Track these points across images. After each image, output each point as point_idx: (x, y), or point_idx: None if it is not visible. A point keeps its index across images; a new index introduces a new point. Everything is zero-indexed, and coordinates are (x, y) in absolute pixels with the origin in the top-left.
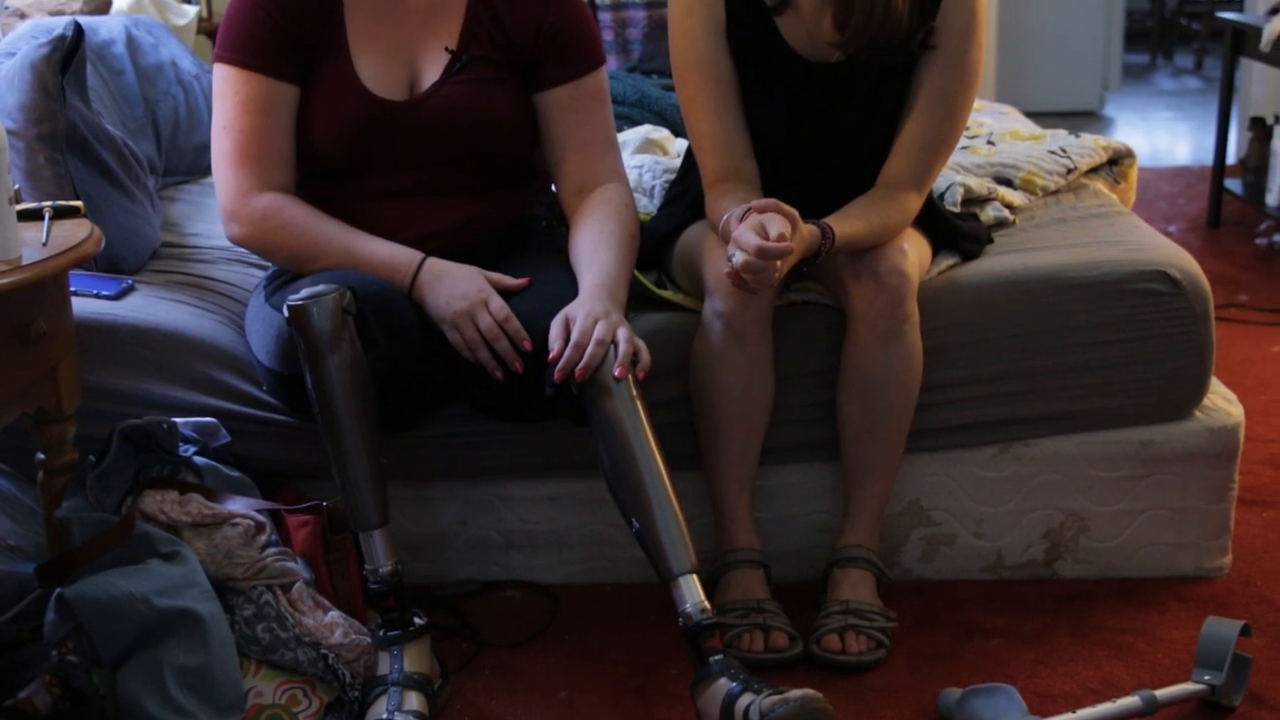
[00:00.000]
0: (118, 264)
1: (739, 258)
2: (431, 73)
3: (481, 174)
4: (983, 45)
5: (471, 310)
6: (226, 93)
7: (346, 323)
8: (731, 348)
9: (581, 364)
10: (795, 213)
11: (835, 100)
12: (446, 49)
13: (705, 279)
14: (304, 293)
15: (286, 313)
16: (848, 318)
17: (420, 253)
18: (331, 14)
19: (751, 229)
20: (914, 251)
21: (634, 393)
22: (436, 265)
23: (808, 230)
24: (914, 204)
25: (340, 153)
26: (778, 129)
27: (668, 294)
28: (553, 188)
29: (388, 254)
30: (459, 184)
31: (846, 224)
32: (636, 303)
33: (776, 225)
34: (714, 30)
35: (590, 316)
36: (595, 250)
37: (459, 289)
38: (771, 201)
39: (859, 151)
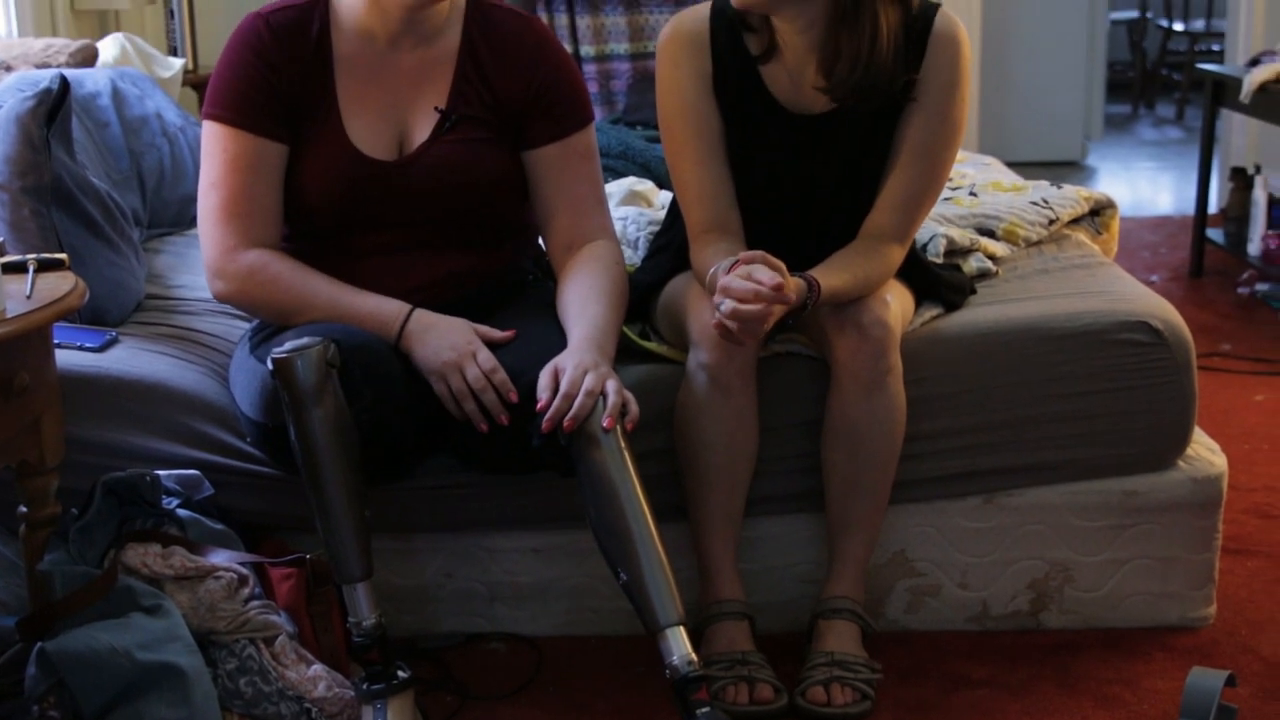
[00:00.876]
0: (102, 316)
1: (727, 306)
2: (421, 132)
3: (470, 230)
4: (966, 100)
5: (459, 362)
6: (215, 150)
7: (331, 375)
8: (716, 399)
9: (570, 414)
10: (781, 264)
11: (819, 151)
12: (435, 108)
13: (690, 330)
14: (288, 345)
15: (271, 365)
16: (831, 369)
17: (407, 304)
18: (321, 73)
19: (740, 278)
20: (897, 303)
21: (622, 444)
22: (424, 317)
23: (794, 282)
24: (897, 255)
25: (330, 211)
26: (762, 180)
27: (652, 345)
28: (540, 242)
29: (375, 306)
30: (448, 240)
31: (831, 276)
32: (620, 354)
33: (765, 274)
34: (700, 82)
35: (579, 367)
36: (584, 304)
37: (447, 340)
38: (758, 254)
39: (843, 202)
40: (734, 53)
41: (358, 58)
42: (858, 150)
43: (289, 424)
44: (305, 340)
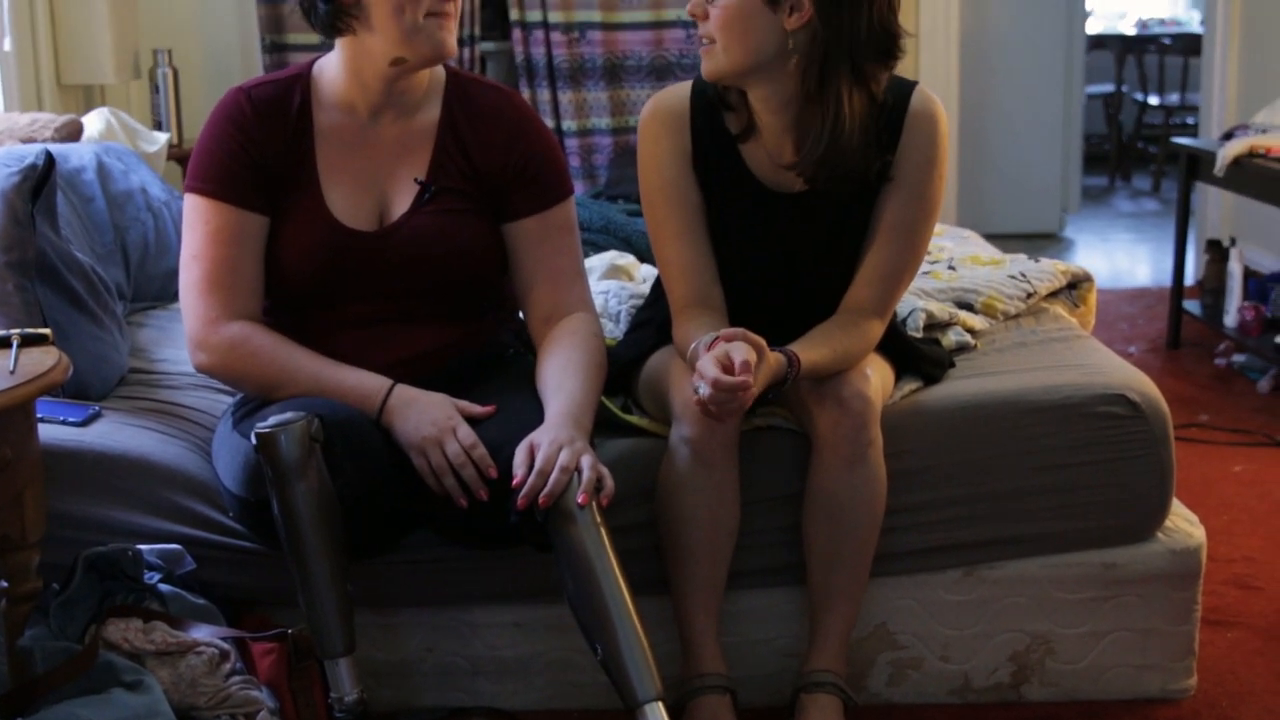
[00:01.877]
0: (85, 390)
1: (704, 389)
2: (401, 203)
3: (450, 302)
4: (944, 176)
5: (439, 437)
6: (196, 222)
7: (314, 450)
8: (698, 473)
9: (545, 491)
10: (762, 341)
11: (798, 228)
12: (415, 180)
13: (672, 404)
14: (272, 420)
15: (254, 440)
16: (812, 442)
17: (389, 379)
18: (302, 146)
19: (716, 359)
20: (877, 376)
21: (598, 519)
22: (405, 392)
23: (774, 358)
24: (877, 330)
25: (310, 281)
26: (743, 256)
27: (633, 419)
28: (520, 315)
29: (356, 381)
30: (428, 311)
31: (811, 351)
32: (602, 427)
33: (741, 353)
34: (681, 159)
35: (555, 443)
36: (562, 378)
37: (427, 416)
38: (738, 331)
39: (823, 278)
40: (714, 131)
41: (338, 130)
42: (837, 227)
43: (272, 499)
44: (289, 415)
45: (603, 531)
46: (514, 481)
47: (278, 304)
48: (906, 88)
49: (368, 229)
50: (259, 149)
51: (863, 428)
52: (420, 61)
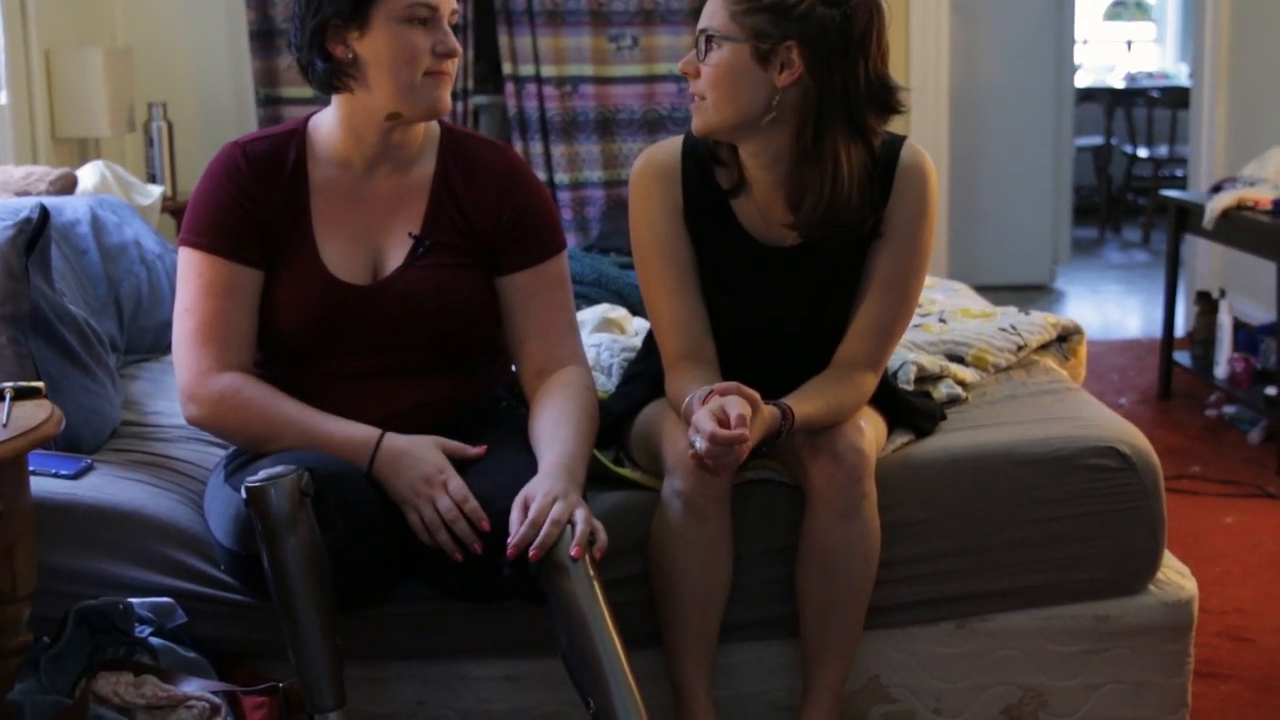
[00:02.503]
0: (77, 443)
1: (700, 443)
2: (395, 258)
3: (444, 356)
4: (934, 229)
5: (431, 493)
6: (190, 275)
7: (304, 504)
8: (691, 526)
9: (536, 542)
10: (756, 395)
11: (790, 282)
12: (410, 234)
13: (665, 457)
14: (262, 474)
15: (244, 494)
16: (806, 495)
17: (378, 430)
18: (297, 200)
19: (711, 413)
20: (871, 429)
21: (591, 572)
22: (395, 443)
23: (768, 411)
24: (870, 383)
25: (304, 335)
26: (735, 309)
27: (625, 472)
28: (513, 368)
29: (346, 434)
30: (421, 365)
31: (805, 404)
32: (594, 480)
33: (736, 407)
34: (672, 213)
35: (549, 495)
36: (555, 430)
37: (418, 470)
38: (733, 385)
39: (814, 331)
40: (705, 186)
41: (333, 184)
42: (828, 281)
43: (262, 552)
44: (279, 469)
45: (596, 585)
46: (510, 537)
47: (271, 357)
48: (896, 143)
49: (362, 283)
50: (254, 204)
51: (857, 481)
52: (416, 117)
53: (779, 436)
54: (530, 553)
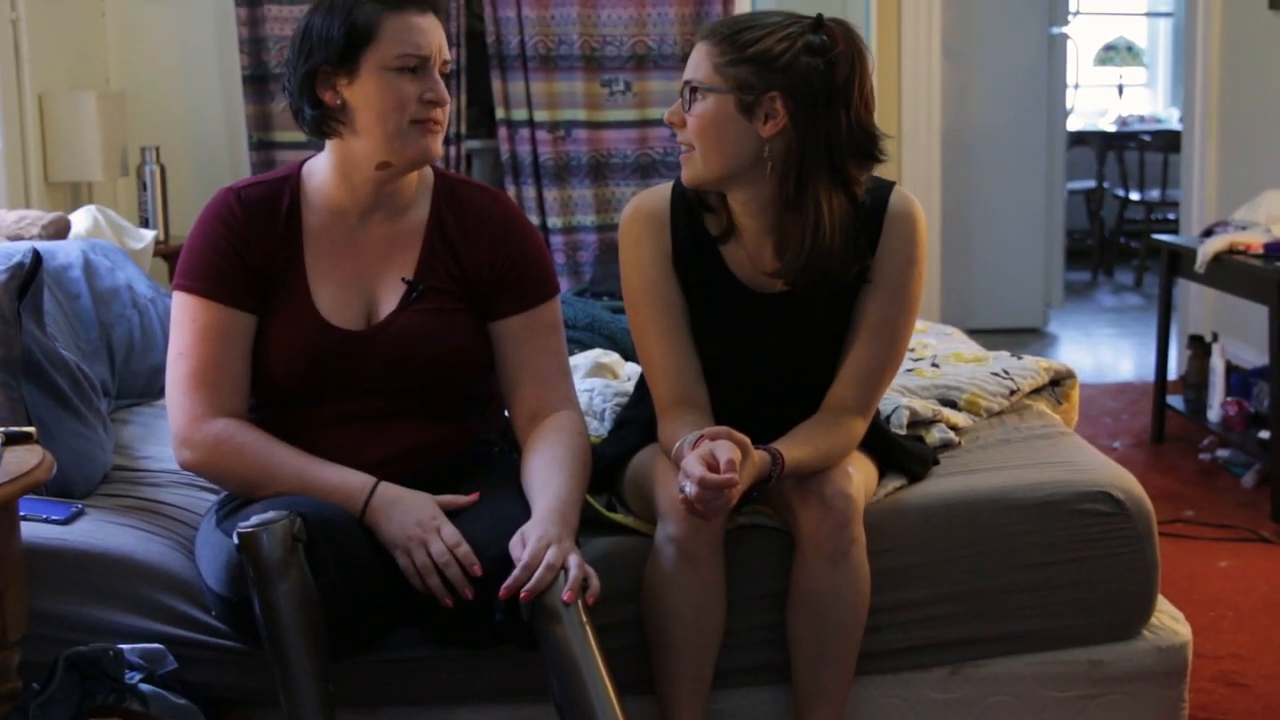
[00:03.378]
0: (68, 488)
1: (690, 488)
2: (388, 303)
3: (437, 400)
4: (923, 275)
5: (423, 537)
6: (184, 320)
7: (296, 549)
8: (684, 572)
9: (528, 586)
10: (746, 440)
11: (779, 328)
12: (403, 279)
13: (658, 503)
14: (254, 519)
15: (236, 539)
16: (796, 541)
17: (372, 478)
18: (291, 246)
19: (700, 458)
20: (859, 474)
21: (584, 619)
22: (389, 491)
23: (759, 456)
24: (860, 428)
25: (297, 380)
26: (725, 354)
27: (618, 517)
28: (505, 413)
29: (340, 480)
30: (414, 410)
31: (795, 449)
32: (587, 526)
33: (726, 452)
34: (662, 260)
35: (542, 540)
36: (548, 475)
37: (412, 516)
38: (723, 430)
39: (804, 377)
40: (694, 232)
41: (327, 230)
42: (818, 327)
43: (254, 598)
44: (271, 514)
45: (589, 630)
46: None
47: (264, 401)
48: (884, 188)
49: (355, 328)
50: (248, 249)
51: (845, 525)
52: (405, 165)
53: (769, 481)
54: (521, 595)
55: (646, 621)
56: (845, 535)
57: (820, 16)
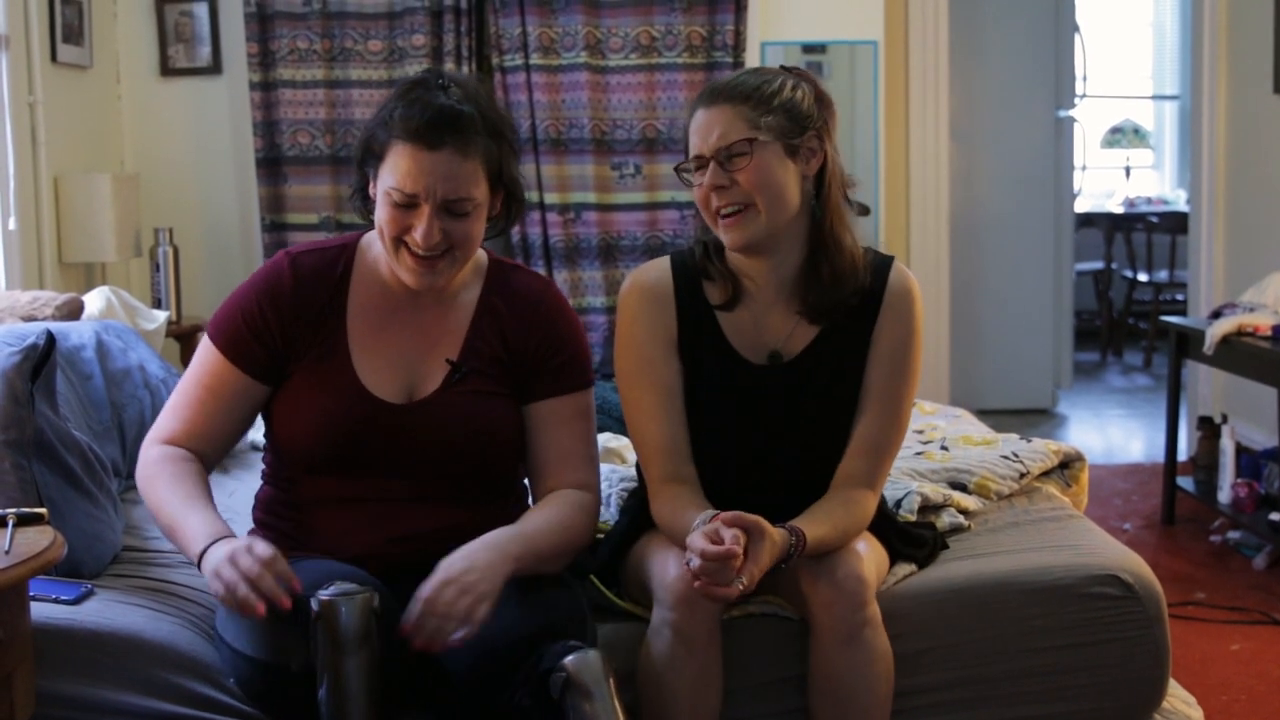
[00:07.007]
0: (78, 568)
1: (695, 562)
2: (431, 382)
3: (467, 485)
4: (921, 347)
5: (233, 555)
6: (199, 358)
7: (372, 623)
8: (680, 655)
9: (420, 640)
10: (760, 520)
11: (775, 401)
12: (447, 360)
13: (653, 586)
14: (334, 589)
15: (315, 606)
16: (810, 624)
17: (225, 528)
18: (335, 315)
19: (705, 534)
20: (871, 554)
21: (613, 697)
22: (231, 542)
23: (779, 535)
24: (871, 503)
25: (333, 447)
26: (722, 426)
27: (626, 604)
28: (530, 501)
29: (198, 522)
30: (440, 493)
31: (815, 527)
32: (598, 612)
33: (729, 535)
34: (661, 336)
35: (449, 584)
36: (528, 515)
37: (230, 545)
38: (735, 515)
39: (797, 449)
40: (695, 302)
41: (375, 303)
42: (813, 401)
43: (322, 670)
44: (350, 585)
45: (617, 705)
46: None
47: (294, 474)
48: (884, 263)
49: (396, 401)
50: (280, 321)
51: (858, 607)
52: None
53: (790, 558)
54: (414, 644)
55: (643, 705)
56: (858, 616)
57: (783, 67)
